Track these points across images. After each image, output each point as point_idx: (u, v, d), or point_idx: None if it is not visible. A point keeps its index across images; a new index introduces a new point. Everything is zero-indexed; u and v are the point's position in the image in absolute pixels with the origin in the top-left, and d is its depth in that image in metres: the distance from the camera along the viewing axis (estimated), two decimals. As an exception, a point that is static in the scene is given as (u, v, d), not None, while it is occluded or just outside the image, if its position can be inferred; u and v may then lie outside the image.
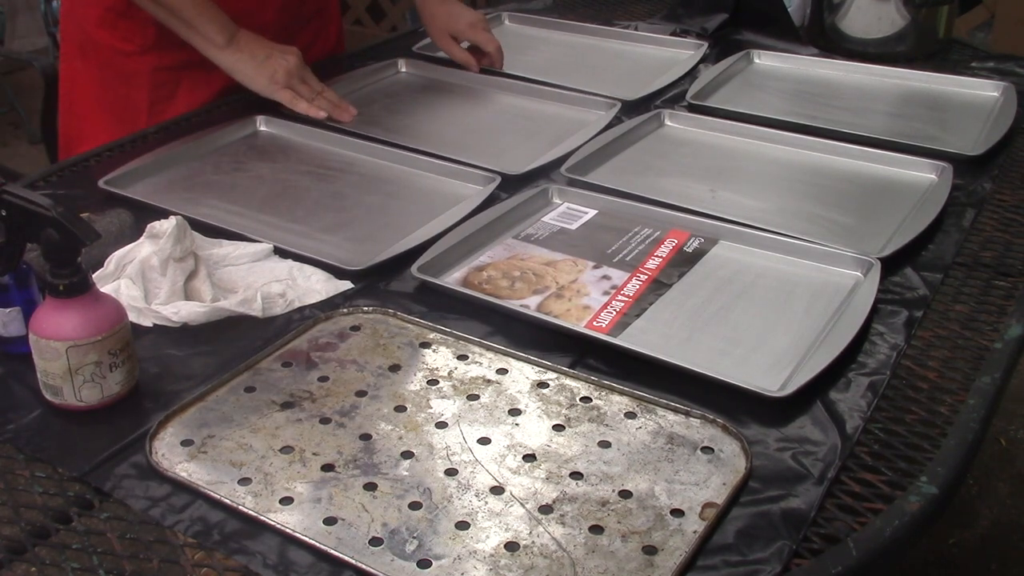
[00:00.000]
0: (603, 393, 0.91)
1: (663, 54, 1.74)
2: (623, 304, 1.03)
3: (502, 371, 0.94)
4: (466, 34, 1.62)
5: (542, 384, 0.92)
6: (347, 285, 1.06)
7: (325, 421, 0.87)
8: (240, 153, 1.36)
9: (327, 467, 0.82)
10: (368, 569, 0.72)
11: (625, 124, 1.42)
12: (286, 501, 0.78)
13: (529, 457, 0.83)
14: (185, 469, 0.81)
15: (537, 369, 0.94)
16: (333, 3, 1.71)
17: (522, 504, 0.78)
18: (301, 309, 1.02)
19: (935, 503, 0.77)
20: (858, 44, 1.74)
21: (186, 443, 0.84)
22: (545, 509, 0.77)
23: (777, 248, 1.12)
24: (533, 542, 0.74)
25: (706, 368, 0.91)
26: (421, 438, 0.85)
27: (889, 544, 0.73)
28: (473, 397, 0.90)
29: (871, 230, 1.17)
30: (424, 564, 0.72)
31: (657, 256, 1.11)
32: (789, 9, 1.81)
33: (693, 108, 1.49)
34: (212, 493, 0.78)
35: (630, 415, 0.88)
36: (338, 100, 1.44)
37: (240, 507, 0.77)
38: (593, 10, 1.99)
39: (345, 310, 1.02)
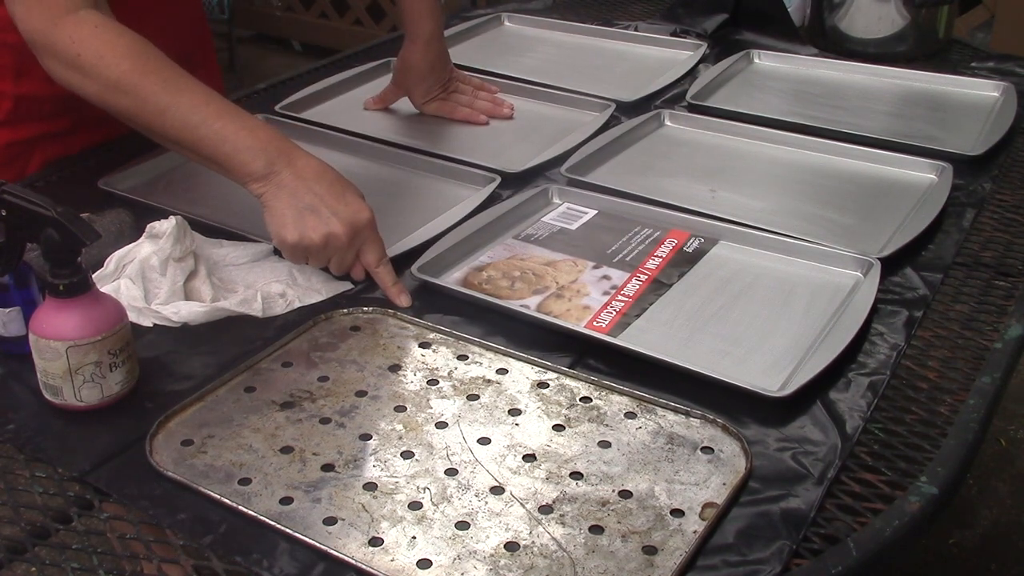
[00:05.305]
0: (603, 393, 0.91)
1: (663, 54, 1.74)
2: (623, 304, 1.03)
3: (502, 371, 0.94)
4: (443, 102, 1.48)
5: (542, 384, 0.92)
6: (347, 285, 1.06)
7: (325, 421, 0.87)
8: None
9: (327, 467, 0.82)
10: (368, 569, 0.72)
11: (625, 124, 1.42)
12: (286, 501, 0.78)
13: (529, 457, 0.83)
14: (185, 469, 0.81)
15: (537, 369, 0.94)
16: (209, 51, 1.52)
17: (522, 504, 0.78)
18: (301, 309, 1.02)
19: (935, 503, 0.77)
20: (858, 44, 1.74)
21: (186, 443, 0.84)
22: (545, 509, 0.77)
23: (777, 248, 1.12)
24: (533, 542, 0.74)
25: (706, 368, 0.91)
26: (421, 438, 0.85)
27: (889, 544, 0.73)
28: (473, 397, 0.90)
29: (871, 230, 1.17)
30: (424, 564, 0.72)
31: (657, 256, 1.11)
32: (789, 9, 1.81)
33: (693, 108, 1.49)
34: (212, 493, 0.78)
35: (630, 415, 0.88)
36: (391, 284, 1.05)
37: (240, 507, 0.77)
38: (593, 10, 1.99)
39: (345, 310, 1.02)
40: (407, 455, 0.83)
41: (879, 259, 1.07)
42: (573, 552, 0.73)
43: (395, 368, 0.94)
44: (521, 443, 0.84)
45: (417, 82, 1.45)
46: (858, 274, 1.08)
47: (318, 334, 0.99)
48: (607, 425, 0.87)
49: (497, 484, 0.80)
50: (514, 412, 0.88)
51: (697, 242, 1.14)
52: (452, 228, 1.14)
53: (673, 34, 1.80)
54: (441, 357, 0.96)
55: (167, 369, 0.93)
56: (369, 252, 1.05)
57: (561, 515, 0.77)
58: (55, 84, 1.08)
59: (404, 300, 1.04)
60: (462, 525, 0.76)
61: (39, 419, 0.87)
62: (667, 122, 1.45)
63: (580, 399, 0.90)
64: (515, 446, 0.84)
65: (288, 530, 0.75)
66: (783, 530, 0.76)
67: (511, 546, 0.74)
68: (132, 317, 0.95)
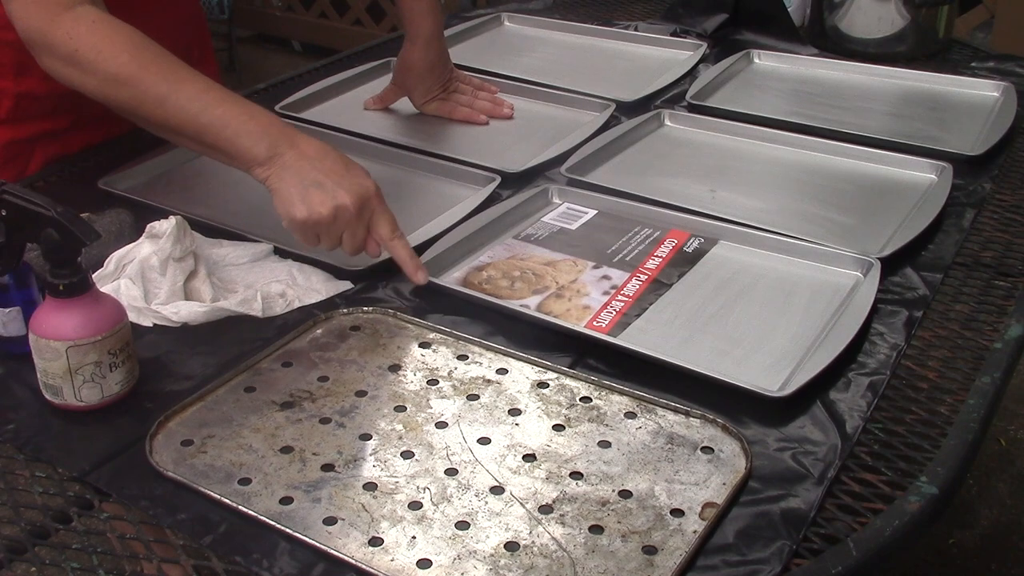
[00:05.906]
0: (603, 393, 0.91)
1: (663, 54, 1.74)
2: (623, 304, 1.03)
3: (502, 371, 0.94)
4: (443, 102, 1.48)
5: (542, 384, 0.92)
6: (347, 285, 1.06)
7: (325, 421, 0.87)
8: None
9: (327, 467, 0.82)
10: (368, 569, 0.72)
11: (625, 124, 1.42)
12: (286, 501, 0.78)
13: (529, 457, 0.83)
14: (185, 469, 0.81)
15: (537, 369, 0.94)
16: (207, 48, 1.52)
17: (522, 504, 0.78)
18: (301, 309, 1.02)
19: (935, 503, 0.77)
20: (858, 44, 1.74)
21: (186, 443, 0.84)
22: (545, 509, 0.77)
23: (777, 248, 1.12)
24: (533, 542, 0.74)
25: (706, 368, 0.91)
26: (421, 438, 0.85)
27: (889, 544, 0.73)
28: (473, 397, 0.90)
29: (871, 230, 1.17)
30: (424, 564, 0.72)
31: (657, 256, 1.11)
32: (789, 9, 1.81)
33: (693, 108, 1.49)
34: (212, 493, 0.78)
35: (630, 415, 0.88)
36: (408, 258, 1.04)
37: (240, 507, 0.77)
38: (593, 10, 1.99)
39: (345, 310, 1.02)
40: (407, 455, 0.83)
41: (879, 259, 1.07)
42: (573, 552, 0.74)
43: (395, 368, 0.94)
44: (521, 443, 0.84)
45: (417, 82, 1.45)
46: (858, 274, 1.08)
47: (318, 334, 0.99)
48: (607, 425, 0.87)
49: (497, 484, 0.80)
50: (514, 412, 0.88)
51: (697, 242, 1.14)
52: (452, 228, 1.14)
53: (673, 34, 1.80)
54: (441, 357, 0.96)
55: (167, 369, 0.93)
56: (381, 224, 1.03)
57: (561, 515, 0.77)
58: (55, 82, 1.08)
59: (421, 277, 1.02)
60: (462, 525, 0.76)
61: (39, 419, 0.87)
62: (667, 122, 1.45)
63: (580, 399, 0.90)
64: (515, 446, 0.84)
65: (288, 530, 0.75)
66: (783, 530, 0.76)
67: (511, 546, 0.74)
68: (132, 317, 0.95)
